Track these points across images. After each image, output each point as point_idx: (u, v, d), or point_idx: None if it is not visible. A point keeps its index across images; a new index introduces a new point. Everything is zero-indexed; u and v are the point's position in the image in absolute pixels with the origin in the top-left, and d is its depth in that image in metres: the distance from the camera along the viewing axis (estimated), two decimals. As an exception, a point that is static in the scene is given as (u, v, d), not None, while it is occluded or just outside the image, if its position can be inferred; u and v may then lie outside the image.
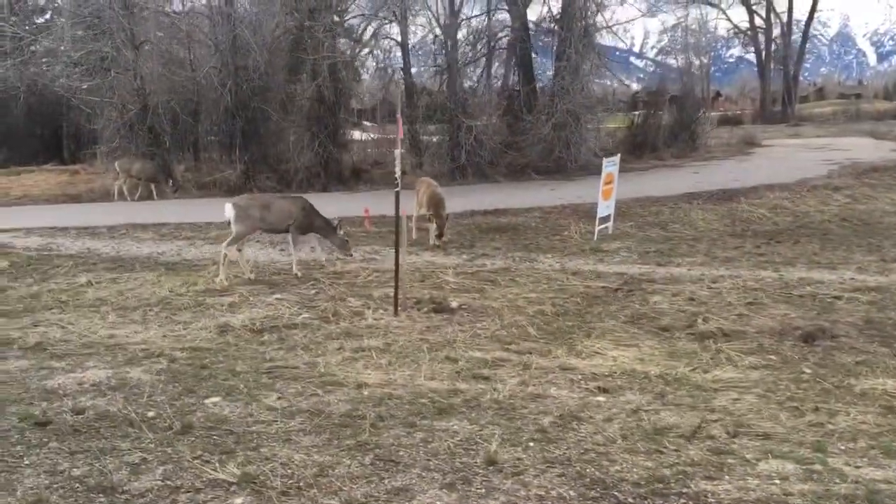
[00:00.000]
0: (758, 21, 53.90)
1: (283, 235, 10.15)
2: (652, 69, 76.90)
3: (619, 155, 12.51)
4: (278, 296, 8.64)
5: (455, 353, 6.37)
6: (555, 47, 20.79)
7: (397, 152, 7.87)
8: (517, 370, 5.96)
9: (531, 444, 4.57)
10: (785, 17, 52.78)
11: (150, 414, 5.11)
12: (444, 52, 20.45)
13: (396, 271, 7.86)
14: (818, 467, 4.20)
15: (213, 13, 21.79)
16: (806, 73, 77.20)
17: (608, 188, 11.82)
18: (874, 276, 8.83)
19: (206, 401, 5.38)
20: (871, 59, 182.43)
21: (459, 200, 14.76)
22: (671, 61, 62.14)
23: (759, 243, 11.00)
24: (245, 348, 6.71)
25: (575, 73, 19.11)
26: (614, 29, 22.63)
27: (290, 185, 19.92)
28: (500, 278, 9.23)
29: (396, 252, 7.91)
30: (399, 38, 21.78)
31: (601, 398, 5.33)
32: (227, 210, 9.40)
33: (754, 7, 54.58)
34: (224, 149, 21.69)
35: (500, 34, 22.65)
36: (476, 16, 22.23)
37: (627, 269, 9.64)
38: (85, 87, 21.09)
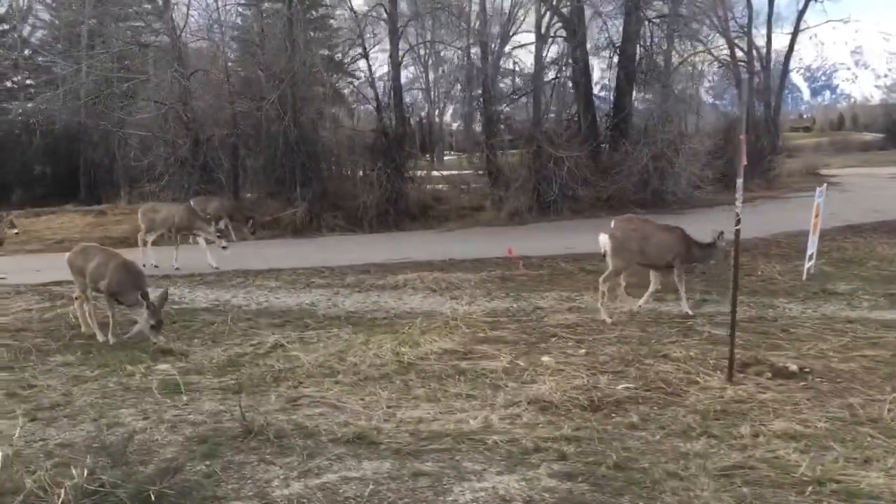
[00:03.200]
0: (738, 53, 54.18)
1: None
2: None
3: (825, 185, 11.24)
4: (547, 357, 7.06)
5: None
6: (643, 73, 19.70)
7: (739, 181, 6.38)
8: None
9: None
10: (764, 51, 53.27)
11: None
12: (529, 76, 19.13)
13: (733, 324, 6.35)
14: None
15: (265, 38, 20.21)
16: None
17: (816, 221, 10.52)
18: None
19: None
20: (805, 93, 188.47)
21: (575, 239, 13.63)
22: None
23: None
24: (610, 433, 5.14)
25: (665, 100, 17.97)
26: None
27: (361, 224, 18.35)
28: (787, 329, 7.82)
29: (734, 299, 6.39)
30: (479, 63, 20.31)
31: None
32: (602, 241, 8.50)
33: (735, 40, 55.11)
34: (279, 185, 19.94)
35: (568, 59, 21.48)
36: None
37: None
38: (133, 118, 19.20)
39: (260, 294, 10.67)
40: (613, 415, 5.58)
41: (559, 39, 21.63)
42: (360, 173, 19.12)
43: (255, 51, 20.92)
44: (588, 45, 21.89)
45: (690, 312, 8.55)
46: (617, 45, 22.26)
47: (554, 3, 20.39)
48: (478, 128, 21.28)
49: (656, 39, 21.86)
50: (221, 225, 14.84)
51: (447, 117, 31.93)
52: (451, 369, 6.83)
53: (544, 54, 20.45)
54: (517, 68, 20.80)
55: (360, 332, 8.18)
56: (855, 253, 12.07)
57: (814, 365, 6.54)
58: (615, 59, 22.44)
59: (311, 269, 12.51)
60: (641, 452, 4.78)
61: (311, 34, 21.54)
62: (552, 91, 21.01)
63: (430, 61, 27.43)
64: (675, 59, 21.56)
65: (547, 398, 5.90)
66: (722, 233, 8.59)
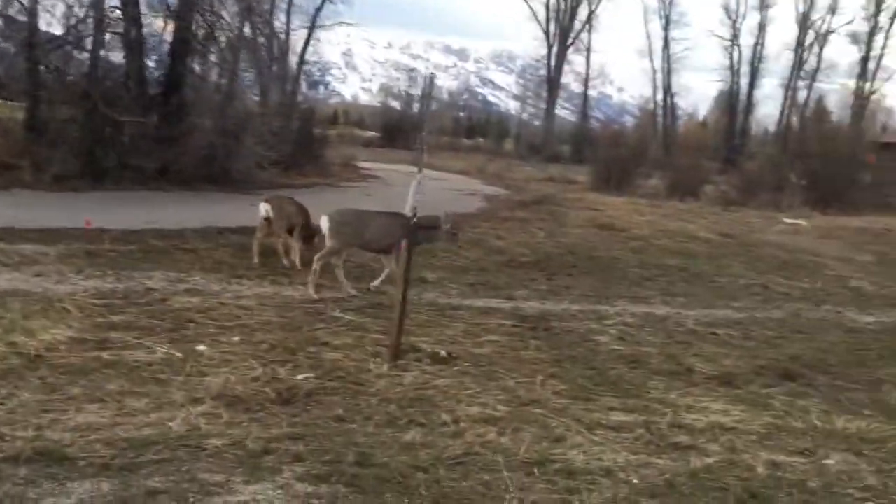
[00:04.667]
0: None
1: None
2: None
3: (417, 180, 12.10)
4: (203, 346, 6.49)
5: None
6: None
7: (420, 176, 6.60)
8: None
9: None
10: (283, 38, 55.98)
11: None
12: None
13: (402, 311, 6.60)
14: None
15: None
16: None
17: (407, 214, 11.41)
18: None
19: None
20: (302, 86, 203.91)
21: (140, 212, 13.08)
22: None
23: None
24: (326, 428, 5.01)
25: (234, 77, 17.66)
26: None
27: None
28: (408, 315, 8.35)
29: (405, 285, 6.64)
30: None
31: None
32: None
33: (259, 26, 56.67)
34: None
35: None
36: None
37: (499, 304, 9.49)
38: None
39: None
40: (310, 407, 5.43)
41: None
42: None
43: None
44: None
45: (353, 291, 9.04)
46: (174, 9, 21.06)
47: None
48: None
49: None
50: None
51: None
52: (93, 362, 5.90)
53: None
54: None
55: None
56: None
57: (455, 350, 7.14)
58: (170, 26, 21.20)
59: None
60: (370, 446, 4.76)
61: None
62: (105, 47, 18.99)
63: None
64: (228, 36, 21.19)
65: (230, 393, 5.48)
66: (446, 214, 9.06)
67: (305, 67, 28.16)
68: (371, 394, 5.77)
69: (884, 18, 58.43)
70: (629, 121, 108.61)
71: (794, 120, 62.51)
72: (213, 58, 18.99)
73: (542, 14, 61.26)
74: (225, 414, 5.07)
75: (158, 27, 20.21)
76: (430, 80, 8.15)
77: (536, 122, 68.99)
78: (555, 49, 61.21)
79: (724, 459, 4.90)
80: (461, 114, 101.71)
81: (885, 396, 6.75)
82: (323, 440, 4.77)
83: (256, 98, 23.15)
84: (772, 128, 67.93)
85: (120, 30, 19.39)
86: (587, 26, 62.50)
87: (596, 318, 9.01)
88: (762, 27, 62.04)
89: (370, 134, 78.69)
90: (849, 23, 60.68)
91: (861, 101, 59.36)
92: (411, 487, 4.24)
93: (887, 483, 4.72)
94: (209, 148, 17.22)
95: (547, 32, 61.49)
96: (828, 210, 23.57)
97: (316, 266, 8.83)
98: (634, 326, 8.76)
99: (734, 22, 62.51)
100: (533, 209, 17.71)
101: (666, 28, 63.35)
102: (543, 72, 63.21)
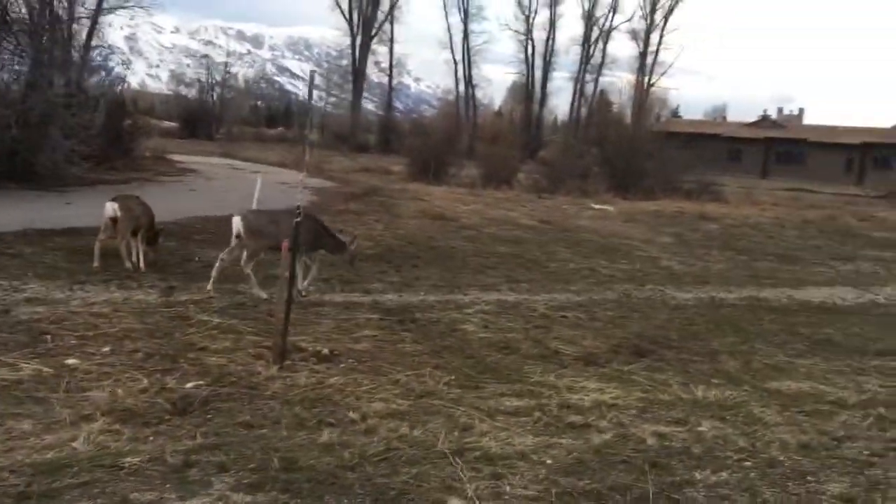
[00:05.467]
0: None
1: None
2: None
3: (259, 176, 11.82)
4: (72, 360, 6.08)
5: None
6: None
7: (303, 176, 6.50)
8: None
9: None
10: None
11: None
12: None
13: (287, 312, 6.52)
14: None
15: None
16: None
17: (253, 210, 11.16)
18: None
19: None
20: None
21: None
22: None
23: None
24: (236, 436, 4.92)
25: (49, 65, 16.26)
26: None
27: None
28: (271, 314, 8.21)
29: (290, 288, 6.57)
30: None
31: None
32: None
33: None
34: None
35: None
36: None
37: (359, 299, 9.54)
38: None
39: None
40: (210, 416, 5.29)
41: None
42: None
43: None
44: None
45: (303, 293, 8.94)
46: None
47: None
48: None
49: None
50: None
51: None
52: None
53: None
54: None
55: None
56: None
57: (335, 347, 7.17)
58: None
59: None
60: (289, 450, 4.74)
61: None
62: None
63: None
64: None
65: (120, 407, 5.23)
66: (356, 237, 9.57)
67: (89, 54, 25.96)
68: (268, 397, 5.70)
69: (659, 16, 63.88)
70: (427, 111, 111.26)
71: (583, 111, 66.98)
72: (7, 43, 17.31)
73: (344, 3, 61.09)
74: (125, 430, 4.82)
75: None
76: (312, 76, 8.05)
77: (335, 112, 68.71)
78: (359, 39, 61.30)
79: (618, 434, 5.36)
80: (259, 103, 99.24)
81: (724, 366, 7.58)
82: (240, 448, 4.69)
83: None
84: (560, 118, 72.47)
85: None
86: (390, 17, 63.12)
87: (455, 308, 9.32)
88: (552, 23, 65.76)
89: (167, 124, 74.87)
90: (628, 20, 65.95)
91: (641, 94, 64.62)
92: (346, 487, 4.30)
93: (755, 444, 5.37)
94: (10, 142, 15.72)
95: (350, 22, 61.46)
96: (626, 196, 25.57)
97: (248, 272, 8.79)
98: (492, 314, 9.16)
99: (527, 17, 65.78)
100: (364, 201, 17.81)
101: (465, 21, 65.41)
102: (344, 61, 63.17)
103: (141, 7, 28.78)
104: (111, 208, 9.36)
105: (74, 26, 23.94)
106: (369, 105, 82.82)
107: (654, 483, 4.54)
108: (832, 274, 14.88)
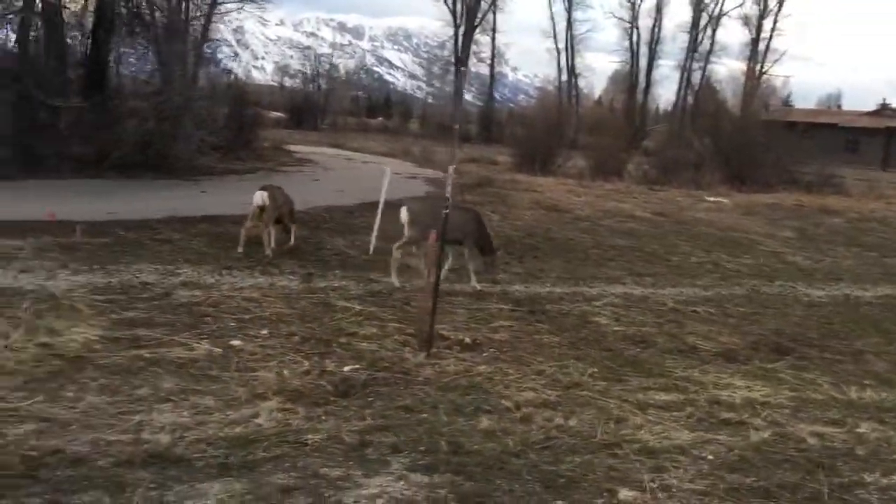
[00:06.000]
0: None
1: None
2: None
3: (388, 168, 12.15)
4: (237, 342, 6.47)
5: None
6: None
7: (451, 169, 6.71)
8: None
9: None
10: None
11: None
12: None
13: (434, 300, 6.71)
14: None
15: None
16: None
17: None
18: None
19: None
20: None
21: (94, 203, 12.79)
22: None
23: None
24: (397, 418, 5.15)
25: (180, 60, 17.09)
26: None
27: None
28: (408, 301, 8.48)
29: (437, 276, 6.75)
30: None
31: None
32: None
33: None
34: None
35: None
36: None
37: (487, 289, 9.67)
38: None
39: None
40: (371, 399, 5.53)
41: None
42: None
43: None
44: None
45: (479, 287, 9.31)
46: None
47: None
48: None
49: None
50: None
51: None
52: (137, 361, 5.83)
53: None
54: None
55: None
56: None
57: (476, 337, 7.35)
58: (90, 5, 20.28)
59: None
60: (453, 435, 4.93)
61: None
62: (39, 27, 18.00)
63: None
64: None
65: (289, 387, 5.54)
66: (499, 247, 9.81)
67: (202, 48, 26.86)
68: (422, 382, 5.92)
69: (772, 1, 61.30)
70: (524, 100, 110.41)
71: (689, 100, 65.10)
72: (141, 39, 18.27)
73: (449, -6, 61.18)
74: (298, 409, 5.12)
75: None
76: (463, 74, 8.22)
77: (433, 102, 68.84)
78: (462, 29, 61.42)
79: (775, 433, 5.33)
80: (359, 93, 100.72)
81: (873, 367, 7.38)
82: (408, 431, 4.90)
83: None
84: (662, 107, 70.69)
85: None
86: (493, 7, 62.93)
87: (584, 300, 9.37)
88: (659, 9, 64.10)
89: (275, 115, 77.09)
90: (740, 5, 63.49)
91: (753, 82, 62.29)
92: (514, 473, 4.45)
93: (919, 449, 5.25)
94: (146, 134, 16.62)
95: (454, 12, 61.61)
96: (742, 188, 24.86)
97: (396, 254, 9.18)
98: (622, 307, 9.16)
99: (633, 4, 64.34)
100: (478, 192, 17.96)
101: (569, 9, 64.58)
102: (442, 51, 63.32)
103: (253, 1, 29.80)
104: (261, 197, 9.80)
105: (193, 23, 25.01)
106: (467, 95, 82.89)
107: (823, 483, 4.50)
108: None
